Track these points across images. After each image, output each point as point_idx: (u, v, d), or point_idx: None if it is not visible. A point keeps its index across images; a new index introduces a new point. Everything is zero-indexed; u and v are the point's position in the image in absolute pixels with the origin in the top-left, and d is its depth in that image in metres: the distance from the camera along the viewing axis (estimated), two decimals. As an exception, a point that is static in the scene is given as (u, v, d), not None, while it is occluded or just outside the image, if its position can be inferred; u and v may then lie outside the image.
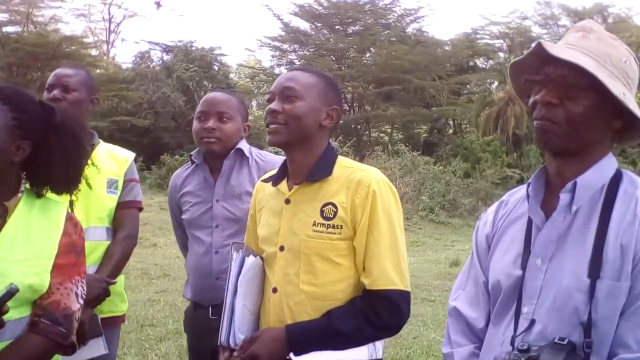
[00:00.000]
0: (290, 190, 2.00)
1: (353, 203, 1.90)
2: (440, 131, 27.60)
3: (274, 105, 1.95)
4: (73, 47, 31.30)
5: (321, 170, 1.96)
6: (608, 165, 1.51)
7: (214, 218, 2.60)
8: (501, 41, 32.22)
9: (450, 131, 29.15)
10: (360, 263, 1.91)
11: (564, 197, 1.48)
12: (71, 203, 2.50)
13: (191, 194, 2.68)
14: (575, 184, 1.47)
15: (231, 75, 36.17)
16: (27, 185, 1.83)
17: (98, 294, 2.46)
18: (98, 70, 33.58)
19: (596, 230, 1.43)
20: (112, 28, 38.66)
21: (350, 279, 1.92)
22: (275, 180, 2.05)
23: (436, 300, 7.74)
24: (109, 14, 37.97)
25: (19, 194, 1.78)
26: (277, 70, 32.45)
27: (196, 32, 69.95)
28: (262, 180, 2.15)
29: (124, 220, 2.69)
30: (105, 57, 38.05)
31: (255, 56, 34.01)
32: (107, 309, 2.60)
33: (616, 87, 1.42)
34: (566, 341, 1.36)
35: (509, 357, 1.41)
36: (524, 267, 1.52)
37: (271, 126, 1.95)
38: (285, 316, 1.93)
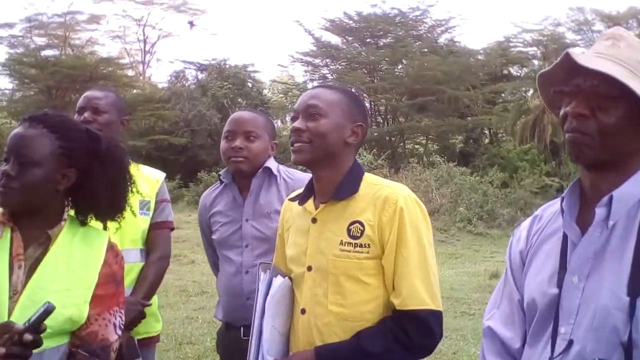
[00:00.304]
0: (316, 209, 1.97)
1: (380, 221, 1.86)
2: (476, 141, 27.29)
3: (297, 123, 1.94)
4: (110, 69, 31.92)
5: (347, 187, 1.93)
6: None
7: (244, 237, 2.58)
8: (535, 48, 31.79)
9: (487, 141, 28.81)
10: (389, 282, 1.88)
11: (599, 211, 1.42)
12: (105, 226, 2.53)
13: (221, 213, 2.68)
14: (611, 198, 1.41)
15: (264, 92, 36.44)
16: (71, 213, 1.84)
17: (134, 317, 2.48)
18: (135, 91, 34.18)
19: (635, 246, 1.37)
20: (147, 48, 39.36)
21: (379, 299, 1.88)
22: (302, 199, 2.03)
23: (476, 313, 7.59)
24: (144, 34, 38.69)
25: (62, 222, 1.80)
26: (309, 85, 32.53)
27: (229, 50, 70.67)
28: (289, 199, 2.14)
29: (157, 241, 2.71)
30: (141, 77, 38.71)
31: (288, 72, 34.17)
32: (143, 330, 2.62)
33: None
34: (606, 362, 1.31)
35: (547, 380, 1.35)
36: (560, 285, 1.46)
37: (296, 145, 1.94)
38: (315, 338, 1.89)
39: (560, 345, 1.42)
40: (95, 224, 1.88)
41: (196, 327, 6.91)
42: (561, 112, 1.46)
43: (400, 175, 18.67)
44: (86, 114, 2.64)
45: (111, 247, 1.85)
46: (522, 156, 20.86)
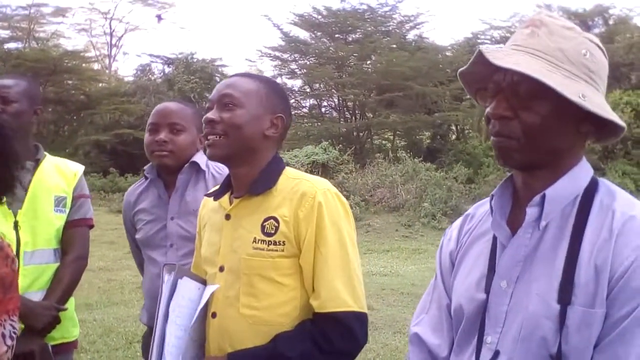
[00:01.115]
0: (231, 204, 1.84)
1: (297, 217, 1.73)
2: (443, 137, 27.37)
3: (211, 114, 1.79)
4: (75, 62, 31.32)
5: (264, 182, 1.80)
6: (581, 173, 1.32)
7: (168, 237, 2.42)
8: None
9: (453, 137, 28.95)
10: (308, 284, 1.74)
11: (531, 211, 1.30)
12: (16, 224, 2.34)
13: (145, 211, 2.52)
14: (544, 197, 1.29)
15: (232, 86, 36.06)
16: None
17: (48, 322, 2.31)
18: (100, 84, 33.68)
19: (567, 249, 1.25)
20: (113, 42, 38.77)
21: (295, 301, 1.75)
22: (218, 194, 1.89)
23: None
24: (110, 28, 38.10)
25: None
26: (278, 80, 32.36)
27: (197, 44, 69.89)
28: (205, 195, 2.00)
29: (74, 240, 2.53)
30: (107, 71, 38.14)
31: (256, 66, 33.77)
32: (59, 335, 2.45)
33: (573, 89, 1.22)
34: (534, 377, 1.18)
35: (470, 394, 1.23)
36: (487, 290, 1.34)
37: (210, 137, 1.79)
38: (225, 343, 1.76)
39: (485, 355, 1.31)
40: None
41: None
42: (485, 113, 1.34)
43: (366, 170, 18.60)
44: None
45: (0, 248, 1.67)
46: (488, 152, 20.90)
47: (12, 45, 30.81)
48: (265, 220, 1.76)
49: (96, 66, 37.19)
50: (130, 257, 9.65)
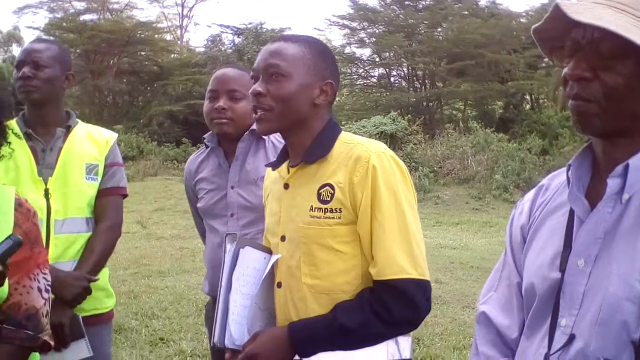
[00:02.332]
0: (289, 173, 1.79)
1: (351, 182, 1.67)
2: (517, 107, 26.56)
3: (258, 86, 1.72)
4: (147, 33, 32.00)
5: (319, 149, 1.74)
6: None
7: (229, 206, 2.39)
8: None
9: (528, 107, 28.07)
10: (367, 251, 1.68)
11: (613, 183, 1.18)
12: (47, 192, 2.33)
13: (206, 180, 2.48)
14: (627, 167, 1.16)
15: (302, 56, 36.10)
16: None
17: (78, 294, 2.28)
18: (172, 55, 34.31)
19: None
20: (185, 13, 39.30)
21: (356, 269, 1.70)
22: (276, 164, 1.85)
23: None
24: (182, -1, 38.57)
25: None
26: (347, 50, 32.11)
27: (266, 14, 70.19)
28: (265, 165, 1.97)
29: (106, 209, 2.48)
30: (178, 42, 38.78)
31: (325, 36, 33.55)
32: (91, 306, 2.41)
33: None
34: (613, 364, 1.08)
35: (543, 381, 1.14)
36: (563, 269, 1.23)
37: (258, 113, 1.73)
38: (291, 313, 1.74)
39: (559, 340, 1.20)
40: None
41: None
42: (562, 74, 1.21)
43: (436, 141, 18.30)
44: (25, 69, 2.38)
45: (19, 205, 1.67)
46: (564, 123, 20.13)
47: (87, 17, 31.69)
48: (322, 187, 1.71)
49: (168, 37, 37.87)
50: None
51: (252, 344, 1.71)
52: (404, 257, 1.64)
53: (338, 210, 1.68)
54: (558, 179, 1.40)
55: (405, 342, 1.73)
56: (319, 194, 1.71)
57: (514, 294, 1.40)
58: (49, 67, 2.42)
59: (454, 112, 28.51)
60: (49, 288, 1.69)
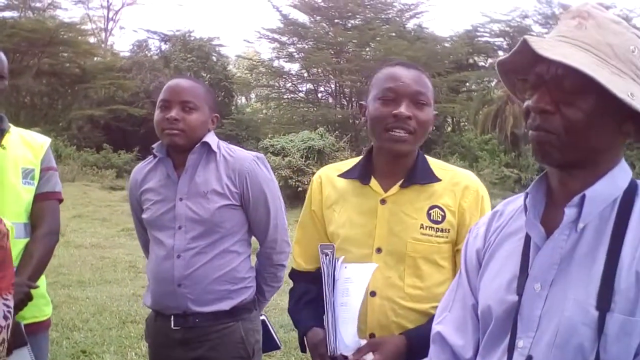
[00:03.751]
0: (385, 190, 1.92)
1: (461, 207, 1.91)
2: (439, 128, 27.33)
3: (406, 110, 1.85)
4: (70, 34, 31.07)
5: (424, 173, 1.93)
6: (621, 175, 1.26)
7: (177, 218, 2.35)
8: (501, 39, 32.01)
9: (449, 129, 28.92)
10: None
11: (569, 212, 1.24)
12: None
13: (152, 191, 2.43)
14: (583, 198, 1.23)
15: (229, 67, 35.92)
16: None
17: (19, 300, 2.19)
18: (95, 58, 33.39)
19: (607, 253, 1.19)
20: (110, 16, 38.39)
21: (449, 281, 1.81)
22: (362, 177, 1.97)
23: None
24: (108, 1, 37.68)
25: None
26: (276, 63, 32.17)
27: (194, 21, 69.54)
28: (327, 173, 2.07)
29: (44, 213, 2.41)
30: (102, 45, 37.79)
31: (254, 48, 33.61)
32: (30, 314, 2.32)
33: (622, 87, 1.16)
34: (570, 386, 1.14)
35: (500, 401, 1.18)
36: (520, 293, 1.28)
37: (402, 132, 1.86)
38: (389, 320, 1.88)
39: None
40: None
41: (142, 305, 6.59)
42: (524, 105, 1.28)
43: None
44: None
45: None
46: (483, 146, 20.96)
47: (7, 14, 30.47)
48: (431, 208, 1.90)
49: (92, 39, 36.88)
50: (124, 235, 9.58)
51: (377, 354, 1.80)
52: None
53: (447, 230, 1.90)
54: (512, 204, 1.46)
55: None
56: (429, 214, 1.90)
57: (468, 315, 1.44)
58: (6, 78, 2.36)
59: (379, 130, 28.97)
60: (8, 314, 1.60)
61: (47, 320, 2.50)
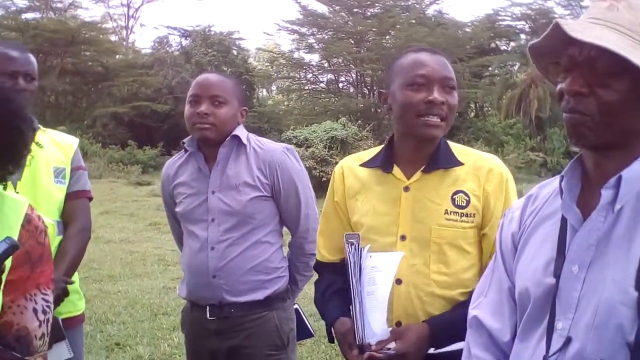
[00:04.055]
0: (408, 177, 1.91)
1: (485, 191, 1.88)
2: (462, 114, 27.15)
3: (439, 95, 1.85)
4: (92, 33, 31.37)
5: (446, 157, 1.91)
6: None
7: (210, 211, 2.39)
8: (523, 23, 31.63)
9: (472, 114, 28.71)
10: (489, 251, 1.87)
11: (606, 193, 1.24)
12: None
13: (185, 184, 2.47)
14: (620, 179, 1.23)
15: (250, 60, 36.02)
16: None
17: (57, 296, 2.23)
18: (117, 56, 33.70)
19: None
20: (130, 13, 38.67)
21: (475, 267, 1.90)
22: (384, 165, 1.96)
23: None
24: (128, -1, 37.92)
25: None
26: (296, 54, 32.17)
27: (214, 16, 69.64)
28: (348, 163, 2.06)
29: (76, 212, 2.46)
30: (124, 43, 38.11)
31: (274, 40, 33.66)
32: (65, 309, 2.38)
33: None
34: (610, 365, 1.14)
35: (541, 382, 1.19)
36: (557, 275, 1.28)
37: (435, 119, 1.86)
38: (416, 308, 1.87)
39: (556, 342, 1.25)
40: (11, 195, 1.63)
41: (173, 297, 6.74)
42: (557, 88, 1.28)
43: (385, 147, 18.50)
44: (22, 82, 2.33)
45: (28, 221, 1.59)
46: (507, 130, 20.78)
47: (29, 15, 30.85)
48: (455, 193, 1.88)
49: (113, 38, 37.19)
50: (151, 230, 9.70)
51: (400, 343, 1.80)
52: None
53: (472, 215, 1.88)
54: (546, 188, 1.46)
55: None
56: (453, 199, 1.88)
57: (504, 298, 1.45)
58: (37, 79, 2.41)
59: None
60: (48, 309, 1.62)
61: (81, 315, 2.56)
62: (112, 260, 8.81)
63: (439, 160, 1.89)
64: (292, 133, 18.15)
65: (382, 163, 1.95)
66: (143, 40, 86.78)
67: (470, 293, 1.73)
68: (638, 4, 1.24)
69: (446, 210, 1.86)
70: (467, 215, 1.86)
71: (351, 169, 2.03)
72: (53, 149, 2.47)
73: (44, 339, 1.61)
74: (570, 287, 1.26)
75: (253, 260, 2.38)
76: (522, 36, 31.06)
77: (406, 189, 1.90)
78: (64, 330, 2.31)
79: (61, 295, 2.29)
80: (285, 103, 35.82)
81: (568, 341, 1.24)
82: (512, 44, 32.11)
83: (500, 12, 31.41)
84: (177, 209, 2.50)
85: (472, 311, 1.51)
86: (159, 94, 29.83)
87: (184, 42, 33.46)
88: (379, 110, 26.96)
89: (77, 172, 2.51)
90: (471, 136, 22.16)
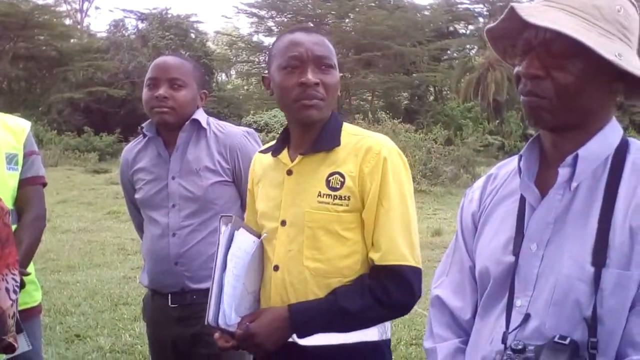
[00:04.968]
0: (292, 160, 1.84)
1: (362, 172, 1.75)
2: (421, 98, 27.40)
3: (312, 76, 1.74)
4: (45, 16, 30.54)
5: (328, 139, 1.80)
6: (612, 133, 1.29)
7: (170, 197, 2.35)
8: (481, 6, 31.93)
9: (431, 98, 28.96)
10: (369, 237, 1.76)
11: (563, 172, 1.26)
12: None
13: (144, 170, 2.43)
14: (576, 157, 1.25)
15: (208, 43, 35.59)
16: None
17: None
18: (72, 40, 32.90)
19: (600, 210, 1.22)
20: (85, -4, 37.72)
21: (357, 255, 1.77)
22: (276, 150, 1.89)
23: (418, 270, 7.59)
24: (81, -19, 37.05)
25: None
26: (255, 38, 31.93)
27: (172, -1, 68.39)
28: (260, 152, 2.00)
29: (30, 199, 2.37)
30: (78, 27, 37.25)
31: (232, 23, 33.32)
32: (21, 300, 2.26)
33: (609, 48, 1.19)
34: (568, 340, 1.17)
35: (500, 358, 1.21)
36: (516, 253, 1.31)
37: (314, 101, 1.75)
38: (289, 295, 1.78)
39: (516, 319, 1.28)
40: None
41: (133, 287, 6.67)
42: (514, 71, 1.29)
43: (345, 131, 18.57)
44: None
45: None
46: (466, 114, 21.04)
47: (-21, -2, 29.82)
48: (330, 175, 1.77)
49: (67, 21, 36.30)
50: (110, 218, 9.56)
51: (252, 323, 1.74)
52: (405, 245, 1.73)
53: (346, 198, 1.75)
54: (505, 168, 1.48)
55: (388, 322, 1.84)
56: (328, 181, 1.76)
57: (465, 278, 1.47)
58: None
59: (362, 102, 28.98)
60: (17, 289, 1.63)
61: (38, 306, 2.49)
62: (70, 250, 8.67)
63: (321, 142, 1.79)
64: (253, 118, 18.08)
65: (275, 148, 1.90)
66: (98, 24, 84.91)
67: (350, 282, 1.75)
68: None
69: (319, 192, 1.76)
70: (340, 198, 1.74)
71: (258, 156, 2.00)
72: (4, 133, 2.37)
73: (15, 319, 1.61)
74: (528, 265, 1.28)
75: (215, 247, 2.35)
76: (481, 19, 31.39)
77: (289, 172, 1.83)
78: (20, 322, 2.25)
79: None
80: (245, 87, 35.53)
81: (527, 317, 1.26)
82: (471, 27, 32.46)
83: (458, -4, 31.67)
84: (137, 196, 2.46)
85: (434, 290, 1.53)
86: (115, 79, 29.30)
87: (141, 26, 32.89)
88: (339, 94, 27.03)
89: (30, 157, 2.42)
90: (430, 119, 22.37)
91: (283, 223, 1.81)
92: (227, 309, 1.76)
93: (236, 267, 1.79)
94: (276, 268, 1.81)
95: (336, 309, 1.71)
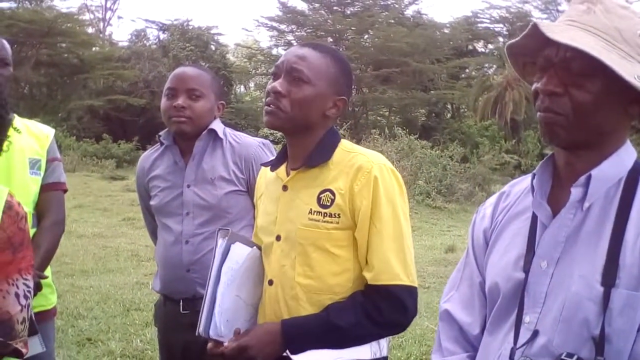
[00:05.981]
0: (288, 176, 1.85)
1: (352, 190, 1.74)
2: (438, 115, 27.39)
3: (279, 85, 1.77)
4: (68, 24, 30.95)
5: (320, 155, 1.80)
6: (626, 156, 1.30)
7: (185, 205, 2.39)
8: (501, 25, 31.95)
9: (449, 115, 28.94)
10: (362, 256, 1.77)
11: (575, 191, 1.27)
12: None
13: (160, 178, 2.47)
14: (589, 178, 1.26)
15: (228, 55, 35.88)
16: None
17: None
18: (94, 49, 33.29)
19: (612, 231, 1.23)
20: (108, 5, 38.26)
21: (349, 273, 1.78)
22: (275, 164, 1.90)
23: (430, 287, 7.56)
24: (105, -9, 37.54)
25: None
26: (274, 51, 32.14)
27: (193, 10, 69.29)
28: (263, 165, 2.01)
29: (50, 204, 2.42)
30: (101, 35, 37.72)
31: (252, 36, 33.61)
32: (37, 303, 2.31)
33: (629, 70, 1.20)
34: (575, 358, 1.18)
35: (508, 373, 1.22)
36: (526, 270, 1.32)
37: (271, 107, 1.77)
38: (282, 310, 1.80)
39: (524, 335, 1.29)
40: None
41: (145, 293, 6.70)
42: (532, 88, 1.31)
43: (362, 146, 18.55)
44: None
45: (9, 207, 1.62)
46: (483, 132, 20.98)
47: (4, 4, 30.33)
48: (322, 192, 1.77)
49: (90, 30, 36.75)
50: (125, 225, 9.60)
51: (245, 337, 1.75)
52: (398, 264, 1.73)
53: (336, 215, 1.75)
54: (518, 186, 1.49)
55: (384, 341, 1.82)
56: (319, 198, 1.76)
57: (475, 293, 1.48)
58: (11, 65, 2.39)
59: (379, 117, 29.00)
60: (29, 294, 1.64)
61: (53, 309, 2.53)
62: (84, 255, 8.73)
63: (314, 158, 1.79)
64: (269, 130, 18.10)
65: (274, 162, 1.91)
66: (120, 33, 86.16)
67: (341, 299, 1.76)
68: (614, 7, 1.28)
69: (310, 209, 1.76)
70: (330, 216, 1.74)
71: (263, 170, 2.01)
72: (29, 139, 2.42)
73: (25, 324, 1.63)
74: (538, 282, 1.29)
75: None
76: (500, 39, 31.38)
77: (284, 188, 1.84)
78: (36, 324, 2.29)
79: (34, 289, 2.25)
80: (263, 100, 35.66)
81: (535, 334, 1.27)
82: (490, 46, 32.44)
83: (478, 15, 31.73)
84: (152, 202, 2.49)
85: (443, 305, 1.54)
86: (135, 88, 29.59)
87: (162, 36, 33.27)
88: (356, 109, 27.05)
89: (53, 163, 2.47)
90: (447, 137, 22.33)
91: (278, 238, 1.83)
92: (219, 320, 1.78)
93: (230, 280, 1.81)
94: (271, 282, 1.83)
95: (328, 325, 1.72)
